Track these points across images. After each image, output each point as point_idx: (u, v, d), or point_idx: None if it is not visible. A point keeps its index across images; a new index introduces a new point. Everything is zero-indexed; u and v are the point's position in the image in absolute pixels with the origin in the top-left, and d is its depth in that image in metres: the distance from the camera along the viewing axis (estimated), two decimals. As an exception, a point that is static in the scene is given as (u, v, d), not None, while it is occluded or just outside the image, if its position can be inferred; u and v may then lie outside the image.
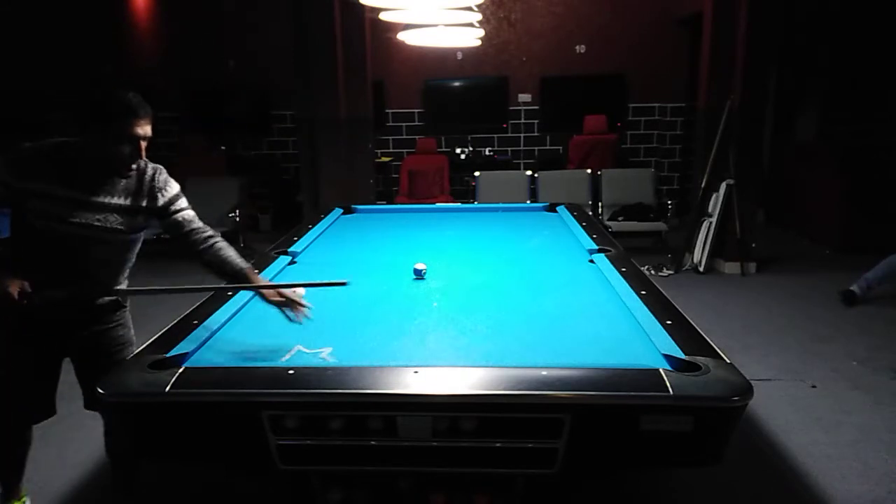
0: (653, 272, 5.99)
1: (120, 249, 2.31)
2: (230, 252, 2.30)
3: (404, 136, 8.90)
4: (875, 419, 3.44)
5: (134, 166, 2.18)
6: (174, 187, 2.34)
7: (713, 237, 6.13)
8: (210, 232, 2.34)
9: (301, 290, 2.22)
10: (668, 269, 6.16)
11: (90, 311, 2.34)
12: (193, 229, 2.32)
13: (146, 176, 2.27)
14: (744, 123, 5.95)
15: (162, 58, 8.68)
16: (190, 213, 2.35)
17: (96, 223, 2.19)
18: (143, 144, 2.13)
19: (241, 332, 2.25)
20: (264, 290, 2.22)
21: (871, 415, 3.48)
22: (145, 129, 2.11)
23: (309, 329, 2.23)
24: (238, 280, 2.26)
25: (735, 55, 5.88)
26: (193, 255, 2.31)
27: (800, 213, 7.56)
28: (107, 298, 2.35)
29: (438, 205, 5.39)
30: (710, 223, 6.14)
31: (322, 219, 4.06)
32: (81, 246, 2.20)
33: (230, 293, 2.49)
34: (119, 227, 2.23)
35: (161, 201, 2.29)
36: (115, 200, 2.21)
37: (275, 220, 8.28)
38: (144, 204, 2.27)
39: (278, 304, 2.17)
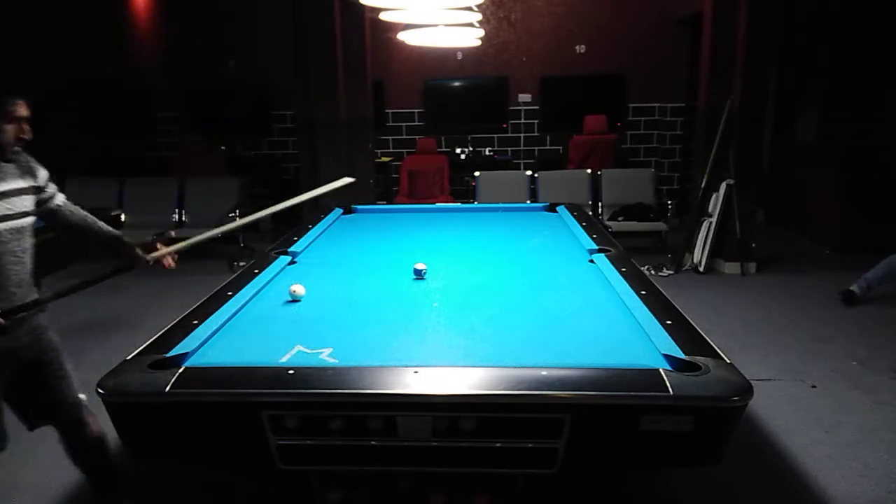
0: (653, 272, 5.99)
1: (30, 235, 2.30)
2: (101, 223, 2.48)
3: (404, 136, 8.90)
4: (875, 419, 3.44)
5: (17, 148, 2.23)
6: (45, 170, 2.41)
7: (713, 237, 6.13)
8: (83, 211, 2.49)
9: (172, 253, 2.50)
10: (668, 269, 6.16)
11: (26, 319, 2.27)
12: (71, 211, 2.44)
13: (23, 157, 2.31)
14: (744, 123, 5.95)
15: (162, 58, 8.67)
16: (62, 195, 2.46)
17: (7, 211, 2.18)
18: (26, 128, 2.20)
19: (241, 332, 2.25)
20: (142, 252, 2.46)
21: (871, 415, 3.48)
22: (25, 110, 2.19)
23: (309, 329, 2.24)
24: (112, 244, 2.47)
25: (735, 55, 5.88)
26: (65, 227, 2.44)
27: (800, 213, 7.56)
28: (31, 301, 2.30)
29: (438, 205, 5.38)
30: (710, 223, 6.14)
31: (322, 219, 4.05)
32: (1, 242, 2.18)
33: (230, 293, 2.51)
34: (25, 209, 2.24)
35: (41, 178, 2.34)
36: (11, 185, 2.21)
37: (275, 220, 8.27)
38: (33, 183, 2.30)
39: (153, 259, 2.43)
